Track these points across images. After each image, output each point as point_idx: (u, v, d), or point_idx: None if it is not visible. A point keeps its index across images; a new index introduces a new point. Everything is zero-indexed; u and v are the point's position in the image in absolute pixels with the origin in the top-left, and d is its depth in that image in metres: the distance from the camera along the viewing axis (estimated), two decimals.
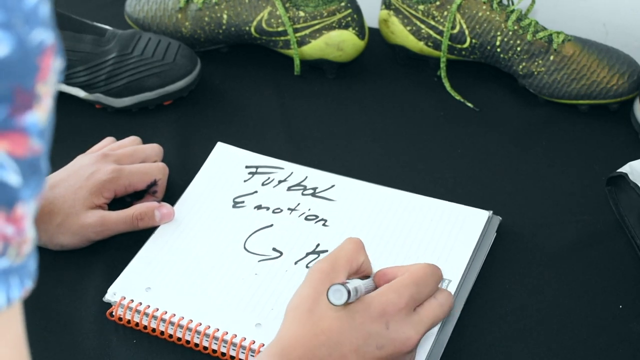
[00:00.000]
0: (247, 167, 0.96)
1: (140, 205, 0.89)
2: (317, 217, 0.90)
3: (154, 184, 0.92)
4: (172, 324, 0.81)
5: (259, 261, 0.86)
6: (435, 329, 0.79)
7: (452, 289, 0.82)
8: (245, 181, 0.94)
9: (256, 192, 0.93)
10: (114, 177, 0.89)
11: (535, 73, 1.04)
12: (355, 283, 0.70)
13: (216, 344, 0.79)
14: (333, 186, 0.93)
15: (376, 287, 0.72)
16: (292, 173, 0.95)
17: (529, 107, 1.06)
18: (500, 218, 0.90)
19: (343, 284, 0.67)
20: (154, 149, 0.96)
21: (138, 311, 0.82)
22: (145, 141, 0.99)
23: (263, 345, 0.78)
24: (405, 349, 0.69)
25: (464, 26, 1.05)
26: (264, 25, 1.09)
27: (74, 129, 1.05)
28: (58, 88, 1.05)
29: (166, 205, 0.90)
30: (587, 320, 0.82)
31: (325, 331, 0.67)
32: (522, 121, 1.04)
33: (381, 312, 0.68)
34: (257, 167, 0.96)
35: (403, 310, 0.69)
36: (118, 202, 0.91)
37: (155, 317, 0.81)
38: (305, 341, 0.67)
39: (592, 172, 0.97)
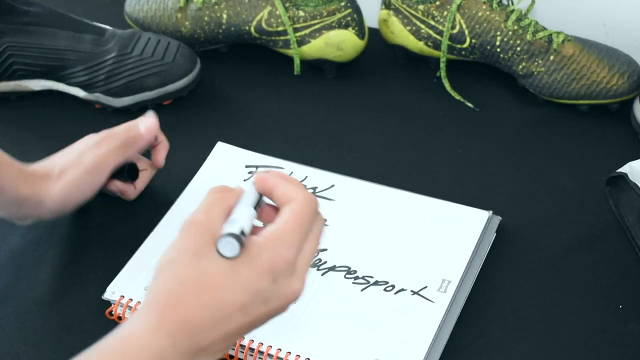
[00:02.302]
0: (247, 166, 0.96)
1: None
2: None
3: (132, 167, 0.93)
4: None
5: None
6: (435, 329, 0.79)
7: (451, 289, 0.82)
8: (245, 180, 0.94)
9: None
10: (118, 146, 0.89)
11: (535, 73, 1.04)
12: (241, 223, 0.61)
13: None
14: (333, 186, 0.93)
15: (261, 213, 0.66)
16: (292, 173, 0.95)
17: (529, 107, 1.06)
18: (500, 218, 0.90)
19: (233, 235, 0.60)
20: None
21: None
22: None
23: (262, 344, 0.78)
24: (291, 301, 0.63)
25: (464, 26, 1.05)
26: (263, 25, 1.09)
27: (74, 128, 1.05)
28: (58, 88, 1.05)
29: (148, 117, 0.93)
30: (587, 320, 0.82)
31: (208, 289, 0.59)
32: (522, 121, 1.04)
33: (270, 267, 0.61)
34: (257, 167, 0.96)
35: (291, 263, 0.62)
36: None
37: None
38: (187, 301, 0.59)
39: (592, 172, 0.97)
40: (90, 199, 0.90)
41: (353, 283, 0.83)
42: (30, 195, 0.85)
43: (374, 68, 1.13)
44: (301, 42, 1.08)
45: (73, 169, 0.87)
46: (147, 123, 0.92)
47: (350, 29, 1.07)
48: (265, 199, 0.65)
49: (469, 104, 1.07)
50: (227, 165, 0.96)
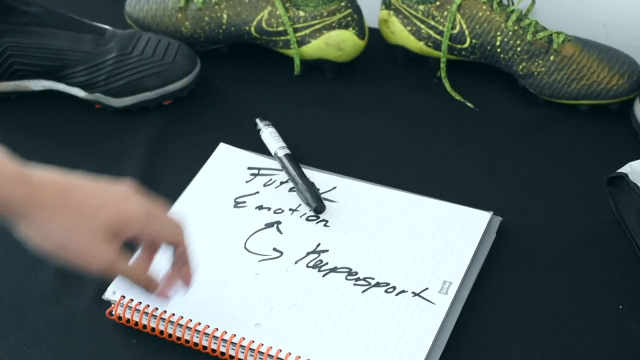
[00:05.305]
0: (249, 168, 0.96)
1: (145, 275, 0.78)
2: (318, 217, 0.90)
3: (175, 246, 0.80)
4: (172, 323, 0.81)
5: (259, 261, 0.86)
6: (436, 330, 0.79)
7: (452, 290, 0.82)
8: (247, 182, 0.94)
9: (258, 192, 0.93)
10: (146, 215, 0.75)
11: (535, 73, 1.04)
12: None
13: (215, 343, 0.79)
14: (335, 188, 0.93)
15: None
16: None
17: (529, 107, 1.06)
18: (501, 218, 0.90)
19: None
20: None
21: (138, 310, 0.82)
22: (144, 140, 0.99)
23: (262, 345, 0.78)
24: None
25: (464, 26, 1.05)
26: (264, 25, 1.09)
27: (74, 129, 1.05)
28: (58, 88, 1.05)
29: (171, 288, 0.80)
30: (587, 320, 0.82)
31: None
32: (522, 121, 1.04)
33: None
34: (259, 169, 0.96)
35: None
36: None
37: (154, 316, 0.81)
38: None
39: (592, 172, 0.97)
40: None
41: (354, 284, 0.83)
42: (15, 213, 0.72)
43: (374, 68, 1.13)
44: (301, 42, 1.08)
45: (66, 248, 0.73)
46: (165, 293, 0.79)
47: (350, 29, 1.07)
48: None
49: (469, 104, 1.07)
50: (229, 166, 0.96)
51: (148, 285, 0.78)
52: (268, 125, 1.00)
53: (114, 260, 0.74)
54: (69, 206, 0.72)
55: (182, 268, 0.79)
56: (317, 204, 0.89)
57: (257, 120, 1.01)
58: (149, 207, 0.76)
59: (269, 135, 0.98)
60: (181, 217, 0.78)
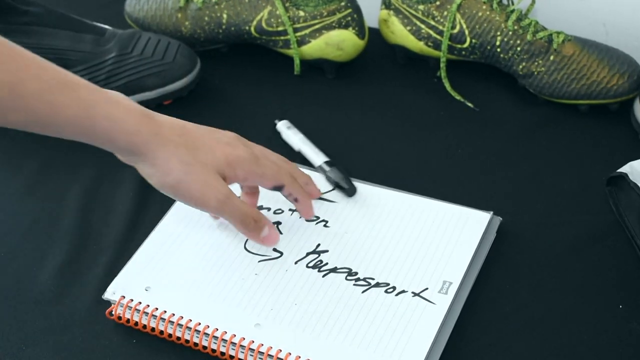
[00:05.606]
0: None
1: (257, 210, 0.84)
2: (318, 218, 0.90)
3: (280, 187, 0.85)
4: (172, 323, 0.81)
5: (259, 261, 0.86)
6: (436, 330, 0.79)
7: (452, 290, 0.82)
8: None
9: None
10: (251, 159, 0.81)
11: (535, 73, 1.04)
12: None
13: (215, 343, 0.79)
14: (334, 188, 0.93)
15: None
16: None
17: (529, 107, 1.06)
18: (501, 218, 0.90)
19: None
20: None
21: (137, 310, 0.82)
22: None
23: (262, 345, 0.78)
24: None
25: (464, 26, 1.06)
26: (263, 24, 1.09)
27: None
28: None
29: (276, 230, 0.85)
30: (587, 320, 0.82)
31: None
32: (522, 121, 1.04)
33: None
34: None
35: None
36: None
37: (154, 317, 0.81)
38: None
39: (592, 172, 0.97)
40: None
41: (354, 285, 0.83)
42: (140, 154, 0.77)
43: (374, 68, 1.13)
44: (301, 42, 1.08)
45: (189, 187, 0.78)
46: (269, 240, 0.85)
47: (350, 29, 1.07)
48: None
49: (469, 104, 1.07)
50: None
51: (258, 220, 0.82)
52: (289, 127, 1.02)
53: (229, 195, 0.79)
54: (188, 143, 0.77)
55: (297, 204, 0.86)
56: (349, 186, 0.92)
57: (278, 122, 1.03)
58: (254, 151, 0.82)
59: (288, 131, 1.02)
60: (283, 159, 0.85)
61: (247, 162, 0.80)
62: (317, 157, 0.97)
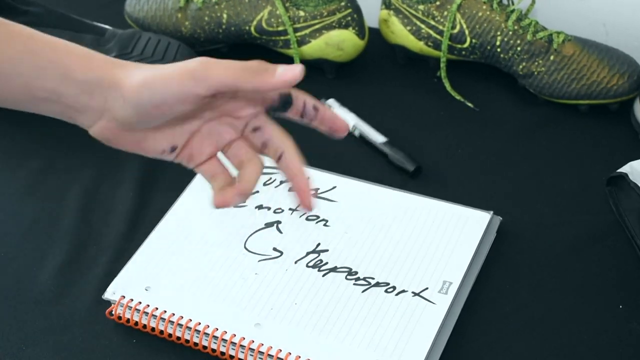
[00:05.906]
0: None
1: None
2: (318, 217, 0.90)
3: (288, 99, 0.69)
4: (172, 323, 0.81)
5: (259, 261, 0.86)
6: (436, 330, 0.79)
7: (452, 290, 0.82)
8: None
9: (257, 191, 0.93)
10: (240, 65, 0.62)
11: (535, 73, 1.04)
12: None
13: (215, 343, 0.79)
14: (335, 187, 0.93)
15: None
16: None
17: (529, 107, 1.06)
18: (501, 218, 0.90)
19: None
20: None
21: (137, 310, 0.82)
22: None
23: (262, 345, 0.78)
24: None
25: (464, 26, 1.05)
26: (263, 24, 1.09)
27: (74, 128, 1.04)
28: None
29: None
30: (587, 320, 0.82)
31: None
32: (522, 121, 1.04)
33: None
34: None
35: None
36: None
37: (154, 316, 0.81)
38: None
39: (592, 172, 0.97)
40: (166, 118, 0.66)
41: (354, 284, 0.83)
42: (102, 76, 0.67)
43: (374, 68, 1.13)
44: (301, 42, 1.08)
45: (168, 67, 0.64)
46: (288, 72, 0.66)
47: (350, 29, 1.07)
48: None
49: (469, 104, 1.07)
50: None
51: (260, 62, 0.63)
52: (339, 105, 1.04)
53: (210, 59, 0.63)
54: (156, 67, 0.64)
55: (323, 120, 0.72)
56: (415, 166, 0.96)
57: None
58: (240, 62, 0.63)
59: (340, 110, 1.04)
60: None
61: (231, 68, 0.63)
62: (376, 135, 1.01)
